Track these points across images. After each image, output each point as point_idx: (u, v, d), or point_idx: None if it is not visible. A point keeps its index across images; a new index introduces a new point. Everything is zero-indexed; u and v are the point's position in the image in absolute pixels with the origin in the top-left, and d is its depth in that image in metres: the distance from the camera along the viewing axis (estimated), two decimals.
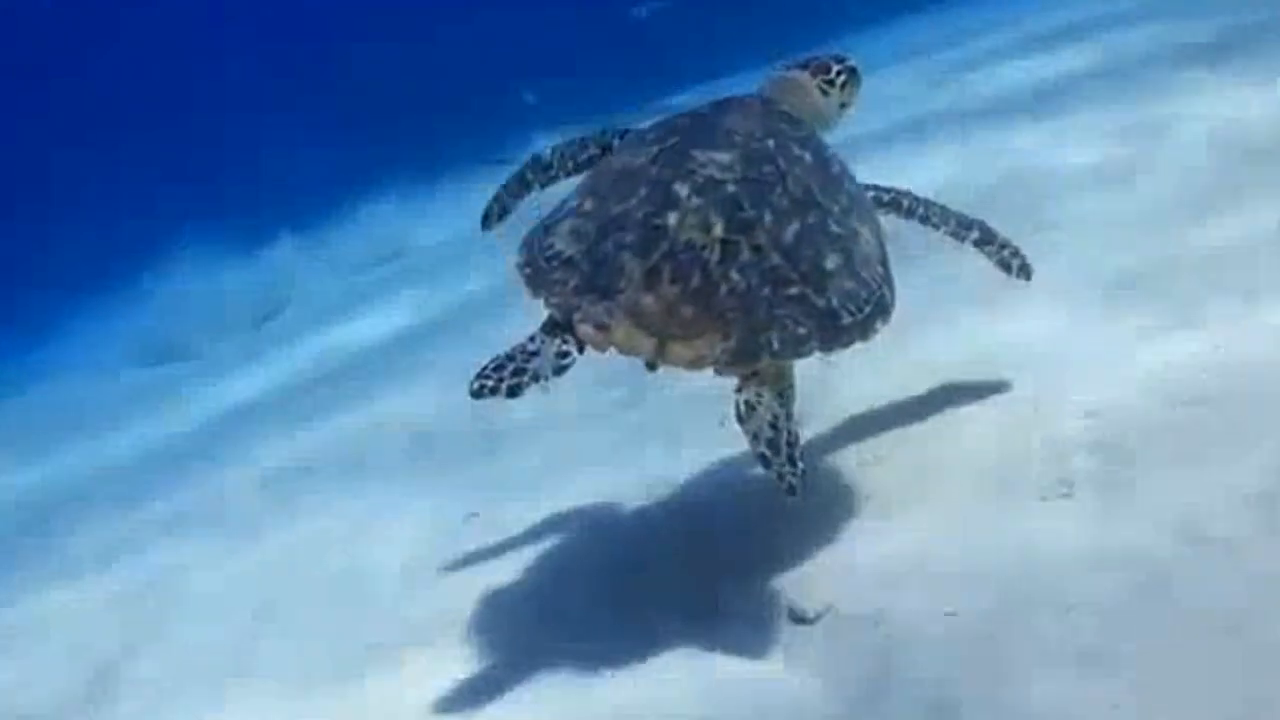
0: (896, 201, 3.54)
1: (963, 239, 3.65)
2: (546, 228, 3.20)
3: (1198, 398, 3.44)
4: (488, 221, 3.82)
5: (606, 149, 3.51)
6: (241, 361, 9.29)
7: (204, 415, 7.72)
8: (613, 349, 2.96)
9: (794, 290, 2.93)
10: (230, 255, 12.12)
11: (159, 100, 21.01)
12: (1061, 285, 4.32)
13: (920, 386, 4.00)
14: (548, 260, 3.08)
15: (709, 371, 2.96)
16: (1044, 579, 2.94)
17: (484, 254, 8.44)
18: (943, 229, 3.61)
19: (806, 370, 3.25)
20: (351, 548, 4.49)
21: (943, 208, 3.62)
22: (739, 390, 2.92)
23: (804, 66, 3.57)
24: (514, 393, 2.90)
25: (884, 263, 3.18)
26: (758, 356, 2.89)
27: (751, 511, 3.67)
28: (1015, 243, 3.70)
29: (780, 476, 2.85)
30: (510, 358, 2.94)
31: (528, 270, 3.11)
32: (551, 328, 3.01)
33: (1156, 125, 5.84)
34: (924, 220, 3.58)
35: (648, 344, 2.92)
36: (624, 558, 3.74)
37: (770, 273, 2.93)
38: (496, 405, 2.96)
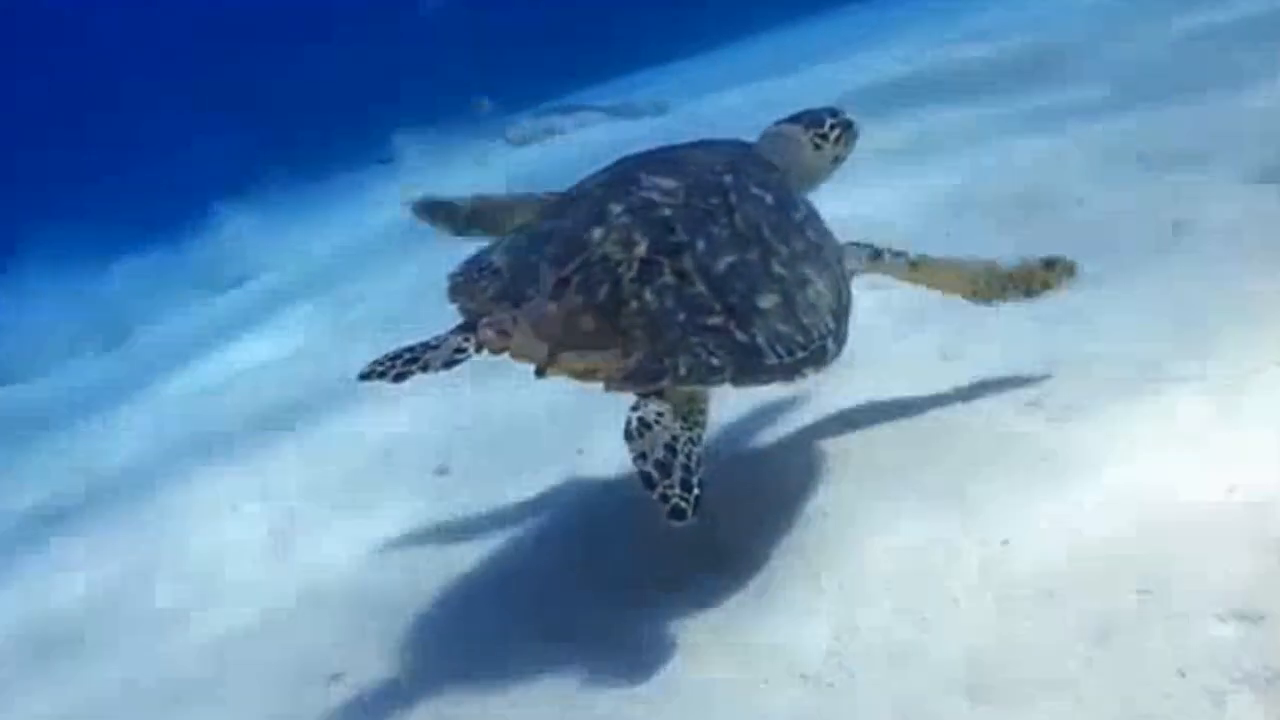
0: (878, 254, 3.44)
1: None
2: (493, 245, 3.24)
3: None
4: None
5: None
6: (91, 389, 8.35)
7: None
8: (507, 354, 2.91)
9: (714, 320, 2.86)
10: (80, 267, 10.99)
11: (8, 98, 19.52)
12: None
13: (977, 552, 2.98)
14: (480, 271, 3.10)
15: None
16: None
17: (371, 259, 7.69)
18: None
19: None
20: None
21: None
22: (634, 408, 2.78)
23: (797, 120, 3.57)
24: (400, 379, 2.88)
25: (837, 315, 3.08)
26: (659, 378, 2.81)
27: None
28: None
29: (665, 498, 2.65)
30: (410, 349, 2.92)
31: (459, 279, 3.13)
32: (461, 328, 2.98)
33: None
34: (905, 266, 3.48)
35: (540, 350, 2.85)
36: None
37: (690, 299, 2.86)
38: None
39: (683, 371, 2.80)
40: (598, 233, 2.96)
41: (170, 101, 18.50)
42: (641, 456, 2.70)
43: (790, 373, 2.90)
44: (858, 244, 3.43)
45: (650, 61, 16.61)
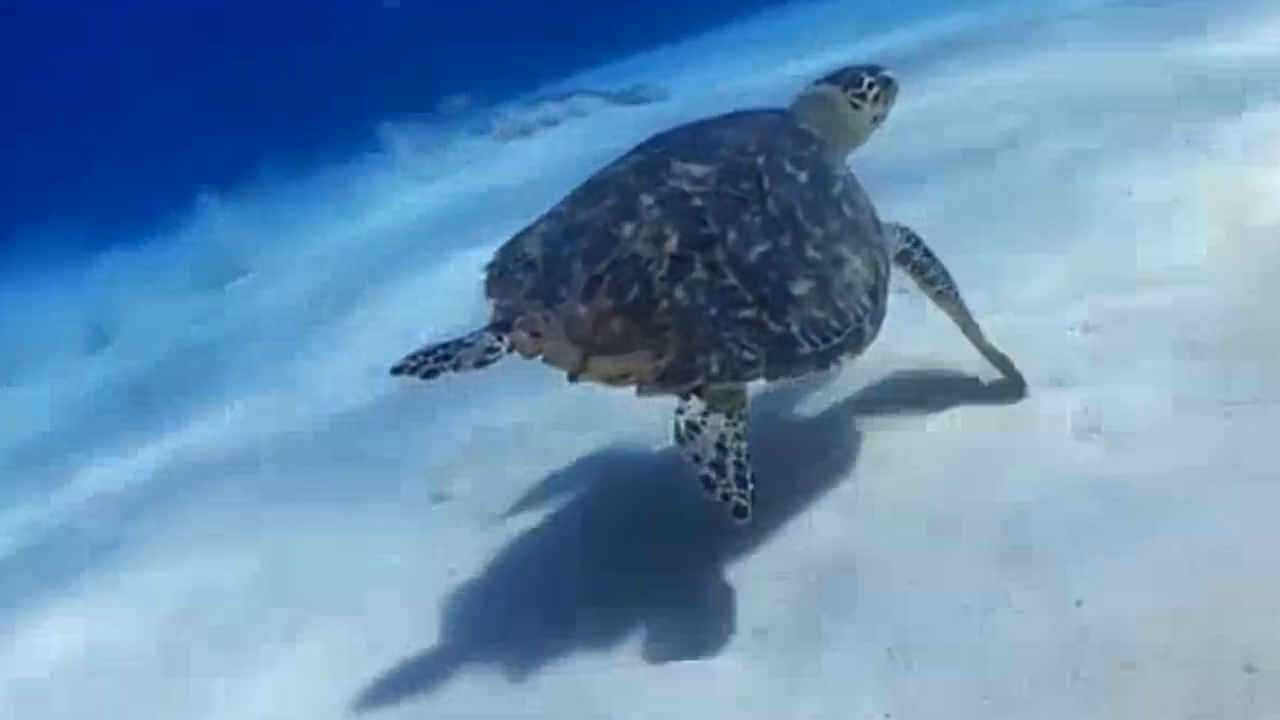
0: (907, 254, 3.38)
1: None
2: (526, 230, 3.18)
3: None
4: None
5: None
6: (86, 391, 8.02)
7: None
8: (540, 357, 2.86)
9: (747, 313, 2.80)
10: (60, 264, 10.69)
11: None
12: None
13: None
14: (515, 262, 3.06)
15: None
16: None
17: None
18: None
19: None
20: None
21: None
22: (679, 411, 2.75)
23: (835, 80, 3.46)
24: (430, 375, 2.86)
25: (873, 294, 3.04)
26: (692, 378, 2.75)
27: None
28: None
29: (726, 498, 2.67)
30: (444, 345, 2.89)
31: (495, 270, 3.09)
32: (495, 327, 2.94)
33: None
34: (922, 278, 3.43)
35: (572, 355, 2.81)
36: None
37: (722, 293, 2.81)
38: None
39: (715, 369, 2.75)
40: (629, 228, 2.91)
41: (162, 97, 18.23)
42: (695, 459, 2.70)
43: (825, 360, 2.88)
44: (897, 228, 3.36)
45: (650, 42, 16.20)
